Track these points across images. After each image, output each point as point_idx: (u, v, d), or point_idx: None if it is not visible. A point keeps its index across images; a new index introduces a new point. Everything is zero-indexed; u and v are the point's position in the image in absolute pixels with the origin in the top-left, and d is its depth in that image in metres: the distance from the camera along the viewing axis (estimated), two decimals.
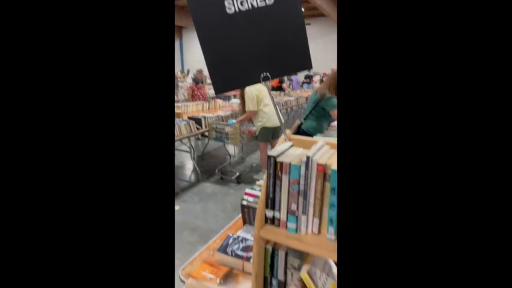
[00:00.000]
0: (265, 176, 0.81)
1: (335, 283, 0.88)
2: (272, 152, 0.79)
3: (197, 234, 2.53)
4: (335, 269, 0.92)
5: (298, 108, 6.85)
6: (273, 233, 0.79)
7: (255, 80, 0.86)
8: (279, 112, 0.99)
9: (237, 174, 3.49)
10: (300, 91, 7.62)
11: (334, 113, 2.47)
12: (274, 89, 7.45)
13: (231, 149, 4.40)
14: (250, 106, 3.00)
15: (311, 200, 0.76)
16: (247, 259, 0.99)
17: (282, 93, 6.83)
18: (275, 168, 0.78)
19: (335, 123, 2.75)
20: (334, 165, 0.72)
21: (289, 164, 0.75)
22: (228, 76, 0.87)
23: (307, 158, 0.73)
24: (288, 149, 0.86)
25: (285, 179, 0.77)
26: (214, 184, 3.41)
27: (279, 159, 0.77)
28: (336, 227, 0.74)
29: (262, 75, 0.85)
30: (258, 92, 3.00)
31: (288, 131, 0.94)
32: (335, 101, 2.48)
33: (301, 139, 0.91)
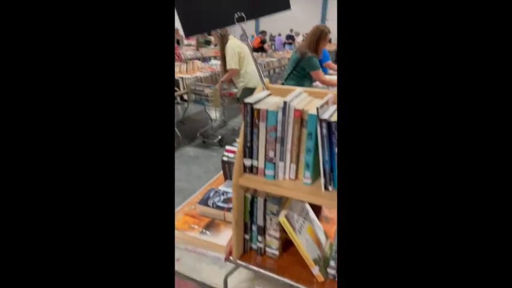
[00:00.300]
0: (242, 126, 0.79)
1: (311, 226, 0.93)
2: (249, 100, 0.76)
3: (181, 195, 2.55)
4: (311, 213, 0.97)
5: (281, 70, 6.68)
6: (252, 180, 0.80)
7: (228, 22, 0.79)
8: (261, 72, 0.94)
9: (219, 137, 3.47)
10: (283, 52, 7.36)
11: (315, 73, 2.41)
12: (255, 49, 7.14)
13: (213, 113, 4.31)
14: (232, 64, 2.85)
15: (288, 146, 0.76)
16: (228, 210, 1.01)
17: (263, 54, 6.57)
18: (252, 115, 0.75)
19: (317, 83, 2.71)
20: (311, 111, 0.71)
21: (266, 110, 0.73)
22: (198, 17, 0.79)
23: (285, 103, 0.71)
24: (266, 97, 0.83)
25: (262, 126, 0.76)
26: (197, 148, 3.39)
27: (256, 106, 0.75)
28: (312, 171, 0.75)
29: (236, 15, 0.78)
30: (240, 49, 2.83)
31: (266, 80, 0.91)
32: (315, 60, 2.40)
33: (279, 88, 0.88)
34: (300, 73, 2.46)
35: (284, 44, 9.15)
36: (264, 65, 5.28)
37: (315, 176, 0.77)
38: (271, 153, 0.78)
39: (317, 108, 0.68)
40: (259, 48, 7.38)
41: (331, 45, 7.70)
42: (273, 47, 8.82)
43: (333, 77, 2.70)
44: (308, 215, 0.94)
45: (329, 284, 0.84)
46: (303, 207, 0.94)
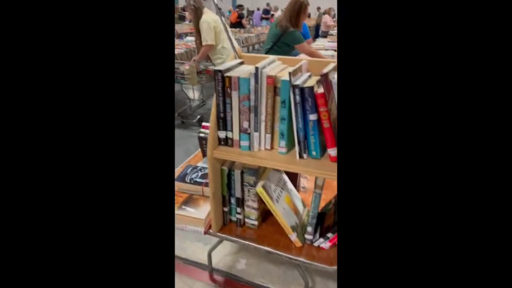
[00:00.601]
0: (214, 96, 0.76)
1: (289, 195, 0.95)
2: (219, 67, 0.72)
3: None
4: (289, 183, 0.98)
5: (260, 47, 6.52)
6: (227, 152, 0.79)
7: None
8: (234, 43, 0.89)
9: (198, 117, 3.38)
10: (261, 28, 7.12)
11: (300, 46, 2.34)
12: (233, 25, 6.85)
13: (190, 92, 4.16)
14: (207, 40, 2.70)
15: (262, 116, 0.74)
16: (207, 185, 1.00)
17: (241, 29, 6.33)
18: (223, 84, 0.72)
19: (303, 55, 2.66)
20: (284, 77, 0.69)
21: (238, 77, 0.70)
22: None
23: (256, 69, 0.68)
24: (238, 66, 0.80)
25: (234, 95, 0.73)
26: (175, 128, 3.30)
27: (227, 74, 0.72)
28: (287, 140, 0.75)
29: None
30: (216, 23, 2.67)
31: (238, 49, 0.87)
32: (298, 33, 2.33)
33: (252, 56, 0.85)
34: (281, 48, 2.38)
35: (261, 19, 8.82)
36: (242, 41, 5.11)
37: (291, 145, 0.77)
38: (245, 124, 0.76)
39: (289, 73, 0.66)
40: (237, 24, 7.08)
41: (310, 20, 7.54)
42: (251, 22, 8.50)
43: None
44: (285, 185, 0.96)
45: (306, 248, 0.87)
46: (280, 177, 0.94)
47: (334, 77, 0.66)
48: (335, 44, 3.33)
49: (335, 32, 4.67)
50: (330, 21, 6.06)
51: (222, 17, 0.90)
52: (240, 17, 7.29)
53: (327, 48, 3.16)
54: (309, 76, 0.75)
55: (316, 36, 6.23)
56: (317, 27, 6.85)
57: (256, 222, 0.92)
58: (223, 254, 1.39)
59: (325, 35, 5.24)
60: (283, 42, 2.37)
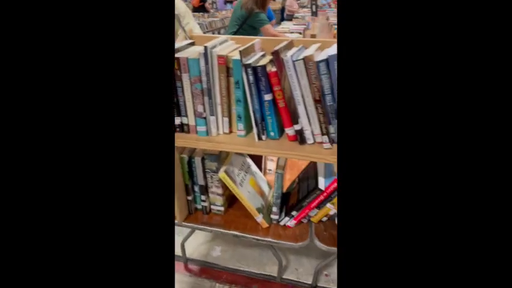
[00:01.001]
0: None
1: (254, 178, 0.94)
2: None
3: None
4: (253, 166, 0.98)
5: (226, 31, 6.32)
6: (183, 139, 0.76)
7: None
8: (189, 25, 0.83)
9: None
10: (226, 11, 6.88)
11: (265, 28, 2.30)
12: (196, 9, 6.54)
13: None
14: None
15: (217, 99, 0.72)
16: None
17: (205, 14, 6.06)
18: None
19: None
20: (235, 56, 0.66)
21: (187, 59, 0.66)
22: None
23: (205, 48, 0.65)
24: (188, 47, 0.75)
25: (185, 77, 0.69)
26: None
27: (175, 55, 0.67)
28: (245, 123, 0.73)
29: None
30: (174, 7, 2.52)
31: (188, 28, 0.82)
32: (263, 15, 2.28)
33: (205, 36, 0.81)
34: (247, 31, 2.32)
35: (225, 2, 8.51)
36: (206, 25, 4.90)
37: (249, 127, 0.75)
38: (200, 108, 0.73)
39: (240, 52, 0.63)
40: (200, 8, 6.76)
41: (275, 4, 7.42)
42: (214, 6, 8.15)
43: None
44: (250, 168, 0.95)
45: (273, 228, 0.88)
46: (244, 161, 0.94)
47: (286, 55, 0.65)
48: (301, 27, 3.32)
49: (300, 15, 4.65)
50: (294, 5, 6.01)
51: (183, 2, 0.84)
52: (203, 0, 6.96)
53: (292, 31, 3.14)
54: (263, 55, 0.73)
55: (282, 19, 6.17)
56: (282, 10, 6.77)
57: (222, 208, 0.91)
58: (197, 243, 1.37)
59: (290, 18, 5.20)
60: (249, 25, 2.30)
